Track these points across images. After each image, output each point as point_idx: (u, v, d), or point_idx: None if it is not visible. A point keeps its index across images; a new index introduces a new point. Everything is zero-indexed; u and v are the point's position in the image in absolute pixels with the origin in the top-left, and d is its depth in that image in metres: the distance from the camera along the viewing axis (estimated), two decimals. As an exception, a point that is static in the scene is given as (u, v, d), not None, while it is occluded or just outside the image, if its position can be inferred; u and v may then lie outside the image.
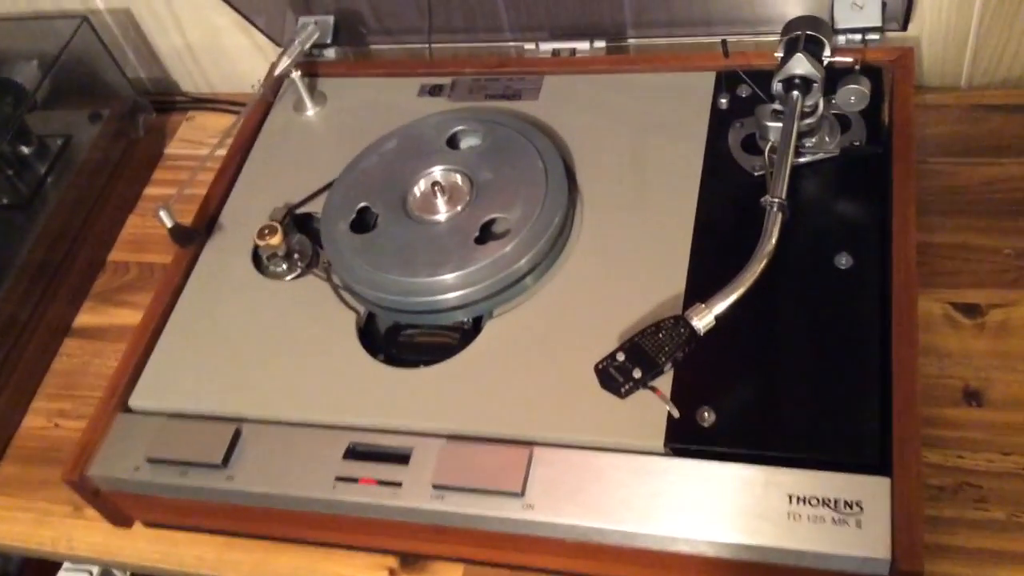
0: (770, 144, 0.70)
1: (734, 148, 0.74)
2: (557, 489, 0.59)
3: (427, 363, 0.67)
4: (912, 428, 0.57)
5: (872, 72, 0.71)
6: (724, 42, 0.75)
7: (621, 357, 0.60)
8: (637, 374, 0.59)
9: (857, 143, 0.71)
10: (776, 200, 0.63)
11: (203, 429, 0.66)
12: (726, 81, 0.78)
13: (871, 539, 0.54)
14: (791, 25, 0.70)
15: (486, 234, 0.71)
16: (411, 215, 0.73)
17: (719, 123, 0.75)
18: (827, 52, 0.69)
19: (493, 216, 0.71)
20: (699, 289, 0.64)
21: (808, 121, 0.69)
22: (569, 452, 0.60)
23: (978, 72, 0.86)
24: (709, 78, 0.79)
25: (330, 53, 0.92)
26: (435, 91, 0.85)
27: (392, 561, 0.68)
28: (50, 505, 0.76)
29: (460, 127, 0.79)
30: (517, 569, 0.65)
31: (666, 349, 0.59)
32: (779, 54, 0.69)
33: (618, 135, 0.77)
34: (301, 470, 0.63)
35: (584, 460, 0.60)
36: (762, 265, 0.61)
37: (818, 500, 0.55)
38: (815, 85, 0.68)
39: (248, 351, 0.70)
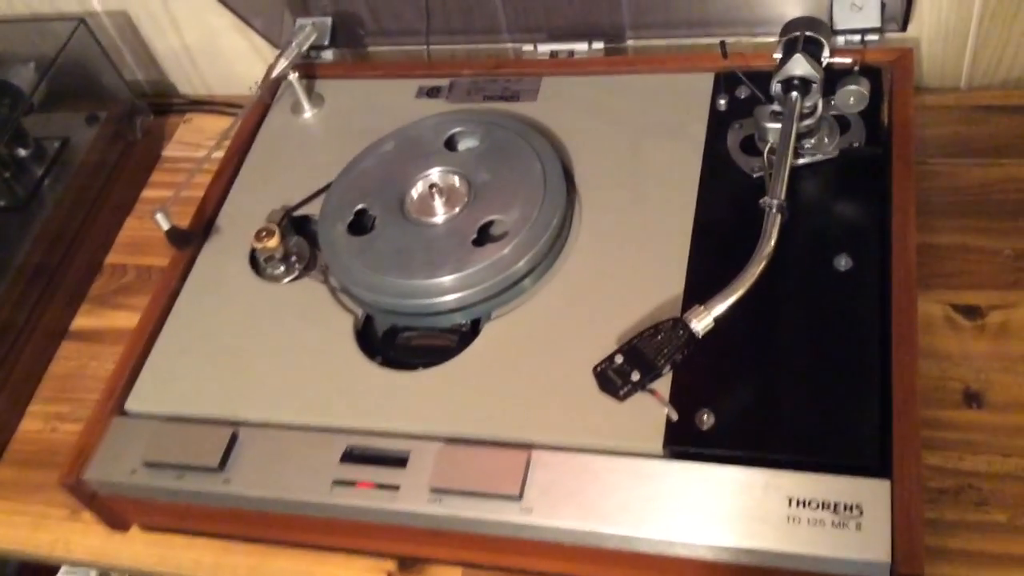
0: (769, 145, 0.70)
1: (733, 149, 0.73)
2: (555, 492, 0.59)
3: (425, 366, 0.66)
4: (912, 430, 0.56)
5: (871, 73, 0.71)
6: (723, 43, 0.75)
7: (619, 359, 0.60)
8: (635, 377, 0.59)
9: (856, 144, 0.71)
10: (775, 201, 0.63)
11: (200, 432, 0.66)
12: (725, 82, 0.78)
13: (871, 542, 0.53)
14: (790, 26, 0.69)
15: (484, 236, 0.71)
16: (409, 217, 0.73)
17: (718, 124, 0.75)
18: (826, 53, 0.69)
19: (491, 218, 0.71)
20: (698, 291, 0.64)
21: (807, 122, 0.69)
22: (567, 455, 0.60)
23: (978, 73, 0.85)
24: (708, 79, 0.78)
25: (328, 55, 0.91)
26: (433, 92, 0.85)
27: (390, 565, 0.67)
28: (47, 509, 0.75)
29: (458, 129, 0.78)
30: (515, 573, 0.65)
31: (664, 351, 0.59)
32: (778, 55, 0.69)
33: (616, 136, 0.77)
34: (298, 473, 0.63)
35: (582, 463, 0.60)
36: (761, 267, 0.61)
37: (818, 503, 0.55)
38: (814, 86, 0.68)
39: (245, 354, 0.70)
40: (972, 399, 0.66)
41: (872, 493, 0.55)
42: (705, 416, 0.59)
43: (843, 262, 0.65)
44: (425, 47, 0.91)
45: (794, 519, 0.55)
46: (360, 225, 0.74)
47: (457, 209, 0.72)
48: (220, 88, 1.07)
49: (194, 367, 0.70)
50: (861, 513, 0.54)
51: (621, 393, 0.59)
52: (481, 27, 0.89)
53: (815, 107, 0.69)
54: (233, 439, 0.65)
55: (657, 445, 0.59)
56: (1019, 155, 0.79)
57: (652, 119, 0.77)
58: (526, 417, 0.62)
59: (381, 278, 0.69)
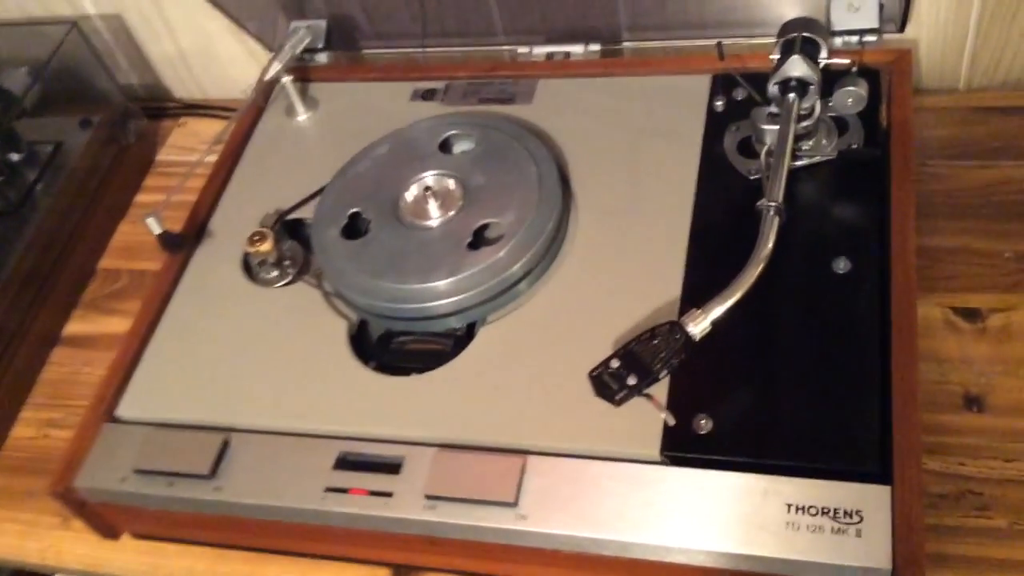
0: (766, 147, 0.70)
1: (730, 151, 0.73)
2: (551, 499, 0.58)
3: (419, 371, 0.66)
4: (912, 435, 0.56)
5: (869, 74, 0.71)
6: (720, 45, 0.75)
7: (616, 364, 0.59)
8: (632, 381, 0.58)
9: (855, 146, 0.71)
10: (773, 204, 0.63)
11: (191, 439, 0.65)
12: (722, 84, 0.77)
13: (871, 548, 0.53)
14: (787, 27, 0.69)
15: (479, 239, 0.70)
16: (403, 221, 0.72)
17: (715, 126, 0.75)
18: (824, 54, 0.69)
19: (486, 221, 0.71)
20: (695, 294, 0.63)
21: (805, 124, 0.69)
22: (563, 461, 0.59)
23: (977, 74, 0.85)
24: (704, 81, 0.78)
25: (322, 57, 0.91)
26: (428, 95, 0.84)
27: (384, 572, 0.67)
28: (38, 516, 0.75)
29: (453, 131, 0.78)
30: (511, 580, 0.64)
31: (661, 356, 0.58)
32: (775, 56, 0.69)
33: (613, 139, 0.76)
34: (290, 480, 0.62)
35: (578, 469, 0.59)
36: (759, 270, 0.60)
37: (817, 509, 0.55)
38: (812, 87, 0.67)
39: (237, 359, 0.69)
40: (973, 403, 0.66)
41: (872, 499, 0.54)
42: (703, 421, 0.59)
43: (842, 265, 0.64)
44: (420, 50, 0.91)
45: (793, 525, 0.54)
46: (354, 229, 0.74)
47: (452, 212, 0.72)
48: (214, 92, 1.06)
49: (186, 373, 0.70)
50: (861, 519, 0.54)
51: (617, 398, 0.59)
52: (476, 29, 0.88)
53: (813, 108, 0.69)
54: (224, 446, 0.64)
55: (654, 450, 0.58)
56: (1018, 157, 0.78)
57: (648, 121, 0.77)
58: (521, 422, 0.61)
59: (375, 282, 0.69)
